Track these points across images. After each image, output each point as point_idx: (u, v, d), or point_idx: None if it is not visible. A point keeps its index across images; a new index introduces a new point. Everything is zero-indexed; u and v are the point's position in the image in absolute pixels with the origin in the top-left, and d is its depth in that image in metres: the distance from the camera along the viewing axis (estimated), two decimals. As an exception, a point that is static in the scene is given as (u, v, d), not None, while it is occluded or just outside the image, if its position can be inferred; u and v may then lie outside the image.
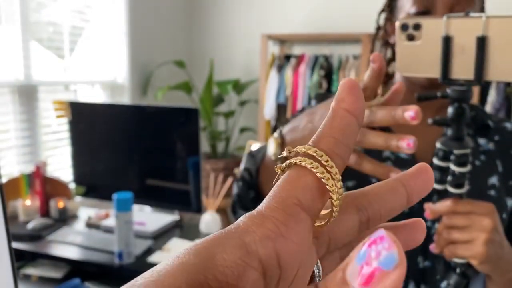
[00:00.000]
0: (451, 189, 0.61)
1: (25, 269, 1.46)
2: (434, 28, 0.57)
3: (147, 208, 1.92)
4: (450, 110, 0.60)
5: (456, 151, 0.60)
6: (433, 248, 0.64)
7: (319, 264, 0.21)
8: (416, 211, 0.71)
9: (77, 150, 1.89)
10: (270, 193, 0.19)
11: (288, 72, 3.42)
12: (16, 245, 1.53)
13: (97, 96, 3.00)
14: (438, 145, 0.62)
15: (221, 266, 0.16)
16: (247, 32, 3.77)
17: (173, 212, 1.82)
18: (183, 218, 1.80)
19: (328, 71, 3.36)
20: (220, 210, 1.93)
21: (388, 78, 0.83)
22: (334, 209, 0.19)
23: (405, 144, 0.48)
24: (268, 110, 3.46)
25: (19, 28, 2.29)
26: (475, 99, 2.85)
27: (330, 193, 0.19)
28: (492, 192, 0.72)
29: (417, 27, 0.58)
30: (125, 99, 3.16)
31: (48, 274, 1.44)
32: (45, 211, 1.81)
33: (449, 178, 0.62)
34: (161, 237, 1.64)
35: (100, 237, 1.60)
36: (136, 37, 3.18)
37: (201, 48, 3.93)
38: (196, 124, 1.63)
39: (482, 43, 0.54)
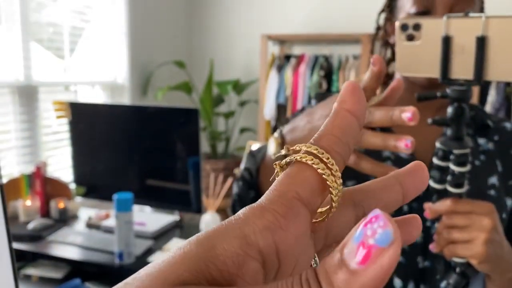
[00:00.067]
0: (450, 189, 0.61)
1: (26, 270, 1.46)
2: (434, 28, 0.57)
3: (147, 209, 1.92)
4: (449, 110, 0.60)
5: (455, 151, 0.60)
6: (432, 247, 0.64)
7: (316, 258, 0.22)
8: (415, 210, 0.71)
9: (77, 151, 1.89)
10: (271, 187, 0.19)
11: (288, 72, 3.42)
12: (16, 245, 1.53)
13: (97, 96, 3.01)
14: (437, 144, 0.62)
15: (222, 256, 0.17)
16: (247, 32, 3.77)
17: (173, 212, 1.82)
18: (183, 218, 1.80)
19: (328, 71, 3.36)
20: (220, 211, 1.93)
21: (388, 78, 0.83)
22: (334, 204, 0.20)
23: (403, 145, 0.49)
24: (268, 110, 3.46)
25: (19, 28, 2.29)
26: (475, 99, 2.85)
27: (330, 188, 0.19)
28: (492, 192, 0.72)
29: (417, 27, 0.58)
30: (125, 100, 3.16)
31: (48, 274, 1.44)
32: (45, 212, 1.81)
33: (449, 177, 0.62)
34: (161, 237, 1.65)
35: (100, 238, 1.60)
36: (136, 37, 3.19)
37: (201, 48, 3.93)
38: (196, 124, 1.63)
39: (481, 43, 0.54)
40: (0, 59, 2.24)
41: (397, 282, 0.71)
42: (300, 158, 0.19)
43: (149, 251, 1.52)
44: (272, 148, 0.64)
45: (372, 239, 0.14)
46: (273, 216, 0.18)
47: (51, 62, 2.65)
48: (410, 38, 0.58)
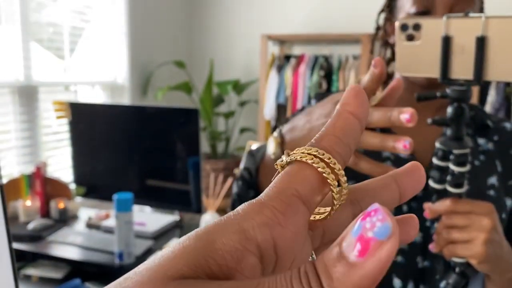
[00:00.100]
0: (450, 189, 0.61)
1: (26, 270, 1.46)
2: (433, 28, 0.57)
3: (147, 209, 1.92)
4: (449, 110, 0.60)
5: (455, 151, 0.60)
6: (432, 247, 0.64)
7: (314, 255, 0.22)
8: (415, 210, 0.71)
9: (77, 151, 1.89)
10: (271, 185, 0.19)
11: (288, 72, 3.42)
12: (16, 245, 1.53)
13: (97, 96, 3.01)
14: (437, 144, 0.62)
15: (221, 250, 0.17)
16: (247, 32, 3.77)
17: (173, 212, 1.82)
18: (183, 218, 1.80)
19: (328, 71, 3.36)
20: (220, 211, 1.93)
21: (388, 78, 0.83)
22: (335, 202, 0.20)
23: (401, 146, 0.49)
24: (268, 111, 3.46)
25: (19, 28, 2.29)
26: (474, 99, 2.85)
27: (331, 187, 0.19)
28: (491, 192, 0.72)
29: (416, 27, 0.58)
30: (125, 100, 3.16)
31: (48, 274, 1.44)
32: (45, 212, 1.81)
33: (449, 177, 0.62)
34: (161, 237, 1.65)
35: (100, 238, 1.60)
36: (136, 37, 3.19)
37: (201, 49, 3.93)
38: (196, 124, 1.63)
39: (481, 43, 0.54)
40: (0, 59, 2.24)
41: (397, 282, 0.71)
42: (301, 157, 0.19)
43: (149, 251, 1.52)
44: (271, 147, 0.64)
45: (371, 232, 0.14)
46: (272, 212, 0.18)
47: (51, 62, 2.65)
48: (410, 38, 0.58)
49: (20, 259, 1.52)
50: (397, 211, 0.71)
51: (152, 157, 1.77)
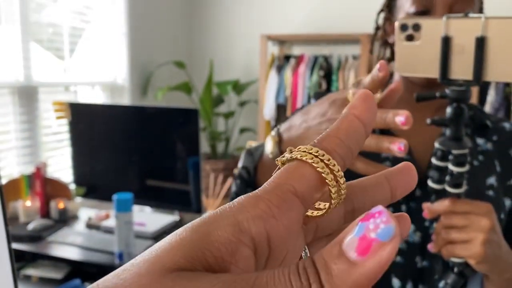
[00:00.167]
0: (449, 189, 0.61)
1: (26, 270, 1.46)
2: (433, 28, 0.57)
3: (147, 209, 1.92)
4: (448, 110, 0.60)
5: (454, 151, 0.60)
6: (431, 247, 0.64)
7: (307, 250, 0.22)
8: (414, 210, 0.71)
9: (77, 151, 1.89)
10: (269, 180, 0.19)
11: (288, 72, 3.42)
12: (16, 246, 1.53)
13: (97, 97, 3.01)
14: (436, 145, 0.62)
15: (217, 242, 0.17)
16: (246, 32, 3.77)
17: (173, 212, 1.82)
18: (183, 218, 1.81)
19: (328, 72, 3.36)
20: (220, 211, 1.93)
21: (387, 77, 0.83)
22: (333, 201, 0.20)
23: (396, 148, 0.49)
24: (268, 111, 3.46)
25: (19, 28, 2.29)
26: (474, 99, 2.85)
27: (329, 187, 0.20)
28: (490, 192, 0.72)
29: (416, 27, 0.58)
30: (125, 100, 3.16)
31: (48, 275, 1.44)
32: (45, 212, 1.81)
33: (447, 178, 0.62)
34: (161, 237, 1.64)
35: (100, 238, 1.60)
36: (136, 37, 3.19)
37: (201, 49, 3.93)
38: (196, 124, 1.63)
39: (481, 43, 0.54)
40: (0, 59, 2.24)
41: (396, 282, 0.71)
42: (301, 156, 0.19)
43: (149, 252, 1.52)
44: (269, 146, 0.64)
45: (374, 233, 0.15)
46: (267, 205, 0.18)
47: (51, 62, 2.65)
48: (410, 38, 0.58)
49: (20, 260, 1.52)
50: (396, 210, 0.71)
51: (152, 157, 1.77)
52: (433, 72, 0.58)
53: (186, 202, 1.69)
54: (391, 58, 0.83)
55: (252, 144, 2.99)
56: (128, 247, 1.41)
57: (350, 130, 0.21)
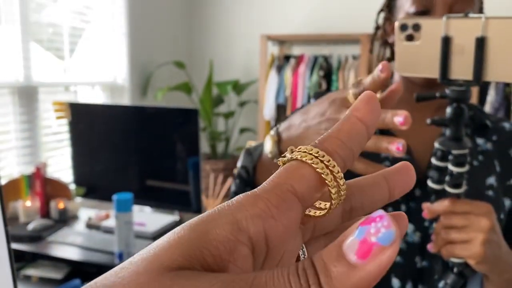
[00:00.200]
0: (449, 189, 0.61)
1: (26, 270, 1.46)
2: (433, 28, 0.57)
3: (147, 209, 1.92)
4: (448, 110, 0.60)
5: (454, 151, 0.60)
6: (430, 247, 0.64)
7: (304, 249, 0.22)
8: (414, 210, 0.71)
9: (77, 151, 1.89)
10: (268, 179, 0.19)
11: (288, 72, 3.42)
12: (16, 246, 1.53)
13: (97, 97, 3.00)
14: (436, 145, 0.62)
15: (215, 241, 0.17)
16: (246, 32, 3.77)
17: (173, 212, 1.82)
18: (183, 218, 1.80)
19: (328, 72, 3.36)
20: (220, 211, 1.93)
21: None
22: (333, 202, 0.20)
23: (394, 148, 0.49)
24: (268, 111, 3.46)
25: (19, 29, 2.29)
26: (474, 99, 2.85)
27: (329, 188, 0.19)
28: (490, 193, 0.72)
29: (416, 27, 0.58)
30: (125, 100, 3.16)
31: (48, 275, 1.44)
32: (45, 212, 1.81)
33: (447, 178, 0.62)
34: (161, 237, 1.64)
35: (100, 238, 1.60)
36: (136, 38, 3.19)
37: (200, 49, 3.93)
38: (196, 124, 1.63)
39: (481, 43, 0.54)
40: (0, 59, 2.24)
41: (395, 282, 0.71)
42: (301, 157, 0.19)
43: (149, 252, 1.51)
44: (268, 146, 0.64)
45: (375, 237, 0.15)
46: (265, 204, 0.18)
47: (51, 62, 2.65)
48: (410, 38, 0.58)
49: (20, 260, 1.52)
50: (396, 210, 0.71)
51: (152, 158, 1.77)
52: (433, 72, 0.58)
53: (186, 202, 1.69)
54: (391, 58, 0.83)
55: (251, 144, 2.99)
56: (128, 247, 1.41)
57: (352, 131, 0.20)
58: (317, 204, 0.22)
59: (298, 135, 0.59)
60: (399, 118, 0.48)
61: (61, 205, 1.78)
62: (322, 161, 0.19)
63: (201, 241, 0.17)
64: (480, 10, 0.76)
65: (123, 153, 1.82)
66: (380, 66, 0.50)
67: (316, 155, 0.19)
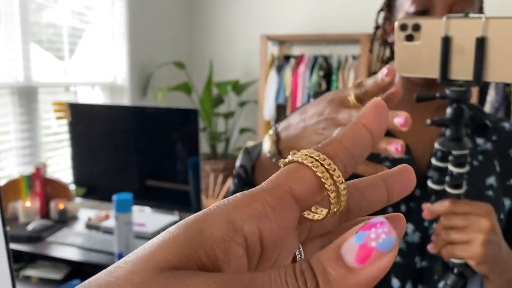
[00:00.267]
0: (449, 190, 0.61)
1: (25, 271, 1.46)
2: (433, 28, 0.57)
3: (147, 209, 1.92)
4: (448, 110, 0.60)
5: (454, 152, 0.60)
6: (431, 248, 0.64)
7: (301, 249, 0.22)
8: (413, 210, 0.71)
9: (77, 151, 1.89)
10: (267, 179, 0.19)
11: (288, 72, 3.42)
12: (16, 246, 1.53)
13: (97, 97, 3.00)
14: (436, 145, 0.62)
15: (210, 241, 0.17)
16: (246, 32, 3.77)
17: (173, 213, 1.82)
18: (183, 218, 1.80)
19: (328, 72, 3.36)
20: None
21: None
22: (331, 207, 0.20)
23: (393, 148, 0.48)
24: (268, 111, 3.46)
25: (18, 29, 2.29)
26: (474, 99, 2.85)
27: (328, 192, 0.19)
28: (490, 193, 0.72)
29: (416, 27, 0.58)
30: (125, 100, 3.16)
31: (48, 275, 1.44)
32: (45, 213, 1.81)
33: (447, 178, 0.62)
34: (156, 236, 1.64)
35: (100, 238, 1.60)
36: (135, 38, 3.19)
37: (200, 49, 3.93)
38: (196, 125, 1.63)
39: (481, 44, 0.54)
40: (0, 60, 2.24)
41: (395, 282, 0.71)
42: (302, 159, 0.19)
43: (149, 252, 1.51)
44: (266, 145, 0.64)
45: (375, 243, 0.15)
46: (262, 204, 0.18)
47: (51, 63, 2.65)
48: (410, 38, 0.58)
49: (19, 260, 1.52)
50: (395, 210, 0.71)
51: (151, 158, 1.77)
52: (433, 73, 0.57)
53: (186, 203, 1.69)
54: (391, 58, 0.83)
55: (251, 144, 2.99)
56: (128, 247, 1.40)
57: (356, 138, 0.20)
58: (315, 208, 0.22)
59: (296, 135, 0.59)
60: (399, 119, 0.48)
61: (61, 205, 1.78)
62: (322, 165, 0.19)
63: (196, 241, 0.17)
64: (480, 10, 0.76)
65: (123, 154, 1.82)
66: (385, 70, 0.49)
67: (317, 158, 0.19)
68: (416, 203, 0.71)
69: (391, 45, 0.82)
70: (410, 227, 0.72)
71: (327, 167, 0.19)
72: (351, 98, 0.53)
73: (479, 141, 0.76)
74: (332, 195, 0.19)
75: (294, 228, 0.20)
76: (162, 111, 1.77)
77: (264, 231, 0.18)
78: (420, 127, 0.72)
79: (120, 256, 1.40)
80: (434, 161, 0.63)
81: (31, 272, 1.45)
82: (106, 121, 1.85)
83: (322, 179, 0.19)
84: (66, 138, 2.15)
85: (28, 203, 1.78)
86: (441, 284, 0.69)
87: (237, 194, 0.19)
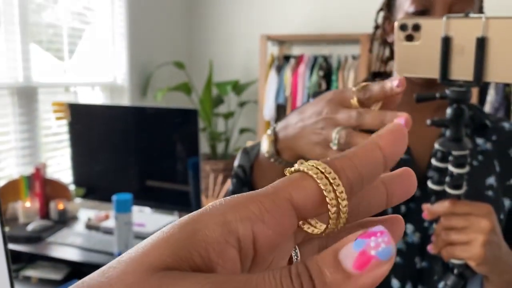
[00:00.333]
0: (449, 190, 0.61)
1: (25, 271, 1.46)
2: (433, 28, 0.56)
3: (146, 209, 1.92)
4: (449, 111, 0.60)
5: (454, 152, 0.60)
6: (430, 249, 0.64)
7: (297, 250, 0.22)
8: (413, 211, 0.71)
9: (77, 152, 1.89)
10: (269, 185, 0.19)
11: (287, 72, 3.42)
12: (16, 247, 1.53)
13: (96, 97, 3.00)
14: (436, 146, 0.62)
15: (204, 242, 0.17)
16: (246, 32, 3.77)
17: (173, 213, 1.82)
18: (183, 219, 1.80)
19: (327, 72, 3.36)
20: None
21: (386, 76, 0.83)
22: (330, 222, 0.19)
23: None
24: (268, 111, 3.46)
25: (18, 29, 2.29)
26: (474, 99, 2.84)
27: (328, 205, 0.19)
28: (490, 193, 0.72)
29: (416, 27, 0.57)
30: (125, 101, 3.16)
31: (48, 276, 1.44)
32: (45, 213, 1.81)
33: (447, 179, 0.61)
34: (150, 236, 1.64)
35: (100, 239, 1.60)
36: (135, 38, 3.18)
37: (200, 49, 3.93)
38: (196, 125, 1.63)
39: (482, 44, 0.53)
40: (0, 60, 2.24)
41: (395, 282, 0.71)
42: (307, 169, 0.19)
43: (149, 252, 1.51)
44: (265, 145, 0.63)
45: (374, 251, 0.15)
46: (258, 207, 0.18)
47: (50, 63, 2.65)
48: (410, 38, 0.58)
49: (19, 261, 1.52)
50: (395, 211, 0.71)
51: (151, 158, 1.77)
52: (433, 73, 0.57)
53: (186, 203, 1.69)
54: (391, 57, 0.83)
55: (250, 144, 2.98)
56: (127, 248, 1.40)
57: (367, 158, 0.19)
58: (315, 222, 0.21)
59: (295, 134, 0.58)
60: (399, 120, 0.47)
61: (61, 206, 1.78)
62: (327, 178, 0.19)
63: (190, 241, 0.17)
64: (480, 10, 0.76)
65: (123, 154, 1.82)
66: (397, 81, 0.49)
67: (322, 170, 0.19)
68: (416, 204, 0.71)
69: (391, 45, 0.82)
70: (410, 228, 0.71)
71: (331, 180, 0.19)
72: (354, 102, 0.53)
73: (479, 141, 0.76)
74: (332, 210, 0.19)
75: (290, 235, 0.19)
76: (162, 111, 1.77)
77: (258, 235, 0.18)
78: (420, 127, 0.72)
79: (120, 257, 1.40)
80: (434, 162, 0.63)
81: (30, 272, 1.45)
82: (106, 121, 1.85)
83: (324, 192, 0.18)
84: (66, 139, 2.15)
85: (28, 204, 1.77)
86: (441, 284, 0.69)
87: (235, 195, 0.19)
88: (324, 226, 0.20)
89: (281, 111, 3.50)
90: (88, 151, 1.89)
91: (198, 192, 1.66)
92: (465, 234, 0.59)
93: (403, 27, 0.58)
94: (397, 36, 0.58)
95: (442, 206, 0.61)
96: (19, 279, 1.44)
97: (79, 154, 1.89)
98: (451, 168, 0.61)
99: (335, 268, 0.15)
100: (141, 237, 1.60)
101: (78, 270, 1.48)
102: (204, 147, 3.62)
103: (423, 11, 0.69)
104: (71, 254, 1.49)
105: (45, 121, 2.52)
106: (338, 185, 0.19)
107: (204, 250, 0.17)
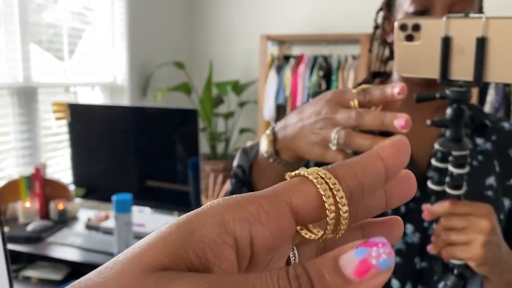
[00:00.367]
0: (449, 191, 0.61)
1: (25, 271, 1.46)
2: (433, 28, 0.56)
3: (146, 210, 1.92)
4: (449, 111, 0.60)
5: (454, 153, 0.60)
6: (430, 249, 0.64)
7: (295, 251, 0.22)
8: (413, 211, 0.71)
9: (77, 152, 1.89)
10: (269, 187, 0.19)
11: (287, 72, 3.42)
12: (15, 247, 1.53)
13: (96, 97, 3.00)
14: (436, 146, 0.62)
15: (201, 243, 0.17)
16: (246, 32, 3.77)
17: (173, 213, 1.81)
18: (182, 219, 1.80)
19: (327, 72, 3.36)
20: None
21: (386, 76, 0.83)
22: (328, 228, 0.19)
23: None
24: (268, 111, 3.46)
25: (18, 29, 2.29)
26: (474, 99, 2.84)
27: (327, 211, 0.19)
28: (490, 193, 0.72)
29: (416, 27, 0.57)
30: (125, 101, 3.15)
31: (47, 276, 1.44)
32: (44, 213, 1.81)
33: (447, 179, 0.61)
34: (147, 236, 1.64)
35: (99, 239, 1.60)
36: (135, 38, 3.18)
37: (200, 49, 3.93)
38: (196, 125, 1.63)
39: (482, 44, 0.53)
40: (0, 60, 2.24)
41: (395, 283, 0.70)
42: (307, 174, 0.19)
43: (149, 252, 1.51)
44: (264, 145, 0.63)
45: (376, 261, 0.15)
46: (256, 209, 0.18)
47: (50, 63, 2.65)
48: (410, 38, 0.58)
49: (19, 261, 1.52)
50: (395, 212, 0.71)
51: (151, 158, 1.77)
52: (433, 73, 0.57)
53: (186, 203, 1.69)
54: (390, 57, 0.83)
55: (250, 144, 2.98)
56: (127, 248, 1.40)
57: (368, 168, 0.19)
58: (313, 228, 0.21)
59: (294, 134, 0.58)
60: (400, 121, 0.47)
61: (61, 206, 1.78)
62: (327, 183, 0.19)
63: (187, 241, 0.17)
64: (480, 10, 0.76)
65: (123, 154, 1.82)
66: (398, 88, 0.49)
67: (322, 175, 0.19)
68: (416, 204, 0.71)
69: (391, 45, 0.82)
70: (409, 228, 0.71)
71: (331, 186, 0.18)
72: (353, 104, 0.53)
73: (479, 141, 0.76)
74: (330, 215, 0.19)
75: (288, 238, 0.19)
76: (161, 111, 1.77)
77: (255, 236, 0.17)
78: (420, 127, 0.72)
79: (120, 257, 1.40)
80: (434, 162, 0.63)
81: (30, 272, 1.45)
82: (105, 122, 1.85)
83: (324, 197, 0.18)
84: (66, 139, 2.15)
85: (27, 204, 1.77)
86: (441, 285, 0.69)
87: (234, 195, 0.18)
88: (321, 232, 0.20)
89: (281, 111, 3.50)
90: (88, 151, 1.89)
91: (198, 192, 1.66)
92: (465, 234, 0.59)
93: (403, 27, 0.58)
94: (397, 36, 0.58)
95: (442, 206, 0.61)
96: (19, 280, 1.44)
97: (79, 154, 1.89)
98: (451, 168, 0.60)
99: (336, 273, 0.15)
100: (141, 237, 1.60)
101: (78, 270, 1.47)
102: (204, 147, 3.62)
103: (423, 11, 0.69)
104: (71, 254, 1.49)
105: (45, 121, 2.52)
106: (338, 190, 0.18)
107: (201, 250, 0.17)
